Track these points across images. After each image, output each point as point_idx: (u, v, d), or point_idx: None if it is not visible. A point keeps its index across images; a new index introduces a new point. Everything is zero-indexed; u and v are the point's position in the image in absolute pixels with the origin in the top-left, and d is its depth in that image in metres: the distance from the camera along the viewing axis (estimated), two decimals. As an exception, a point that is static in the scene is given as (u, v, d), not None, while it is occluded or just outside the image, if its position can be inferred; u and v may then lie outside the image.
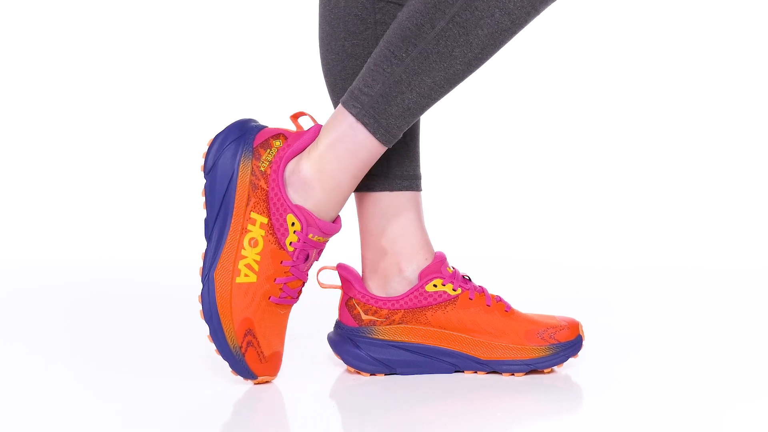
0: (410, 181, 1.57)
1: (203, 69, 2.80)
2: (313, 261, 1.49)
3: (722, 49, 2.77)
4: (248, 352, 1.46)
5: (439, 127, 2.58)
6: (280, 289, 1.47)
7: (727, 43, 2.77)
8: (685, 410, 1.39)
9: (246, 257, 1.46)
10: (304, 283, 1.49)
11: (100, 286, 2.25)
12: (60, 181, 2.72)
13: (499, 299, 1.55)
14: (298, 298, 1.50)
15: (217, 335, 1.45)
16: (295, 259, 1.46)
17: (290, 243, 1.46)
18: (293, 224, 1.46)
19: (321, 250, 1.50)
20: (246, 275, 1.46)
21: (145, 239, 2.61)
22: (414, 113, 1.45)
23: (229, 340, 1.45)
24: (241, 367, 1.47)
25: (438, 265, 1.54)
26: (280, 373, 1.52)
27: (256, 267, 1.46)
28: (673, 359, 1.64)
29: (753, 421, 1.36)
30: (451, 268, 1.55)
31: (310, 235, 1.46)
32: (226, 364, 1.52)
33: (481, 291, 1.55)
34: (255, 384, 1.49)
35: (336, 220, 1.49)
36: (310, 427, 1.37)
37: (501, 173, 2.74)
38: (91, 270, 2.42)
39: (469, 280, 1.56)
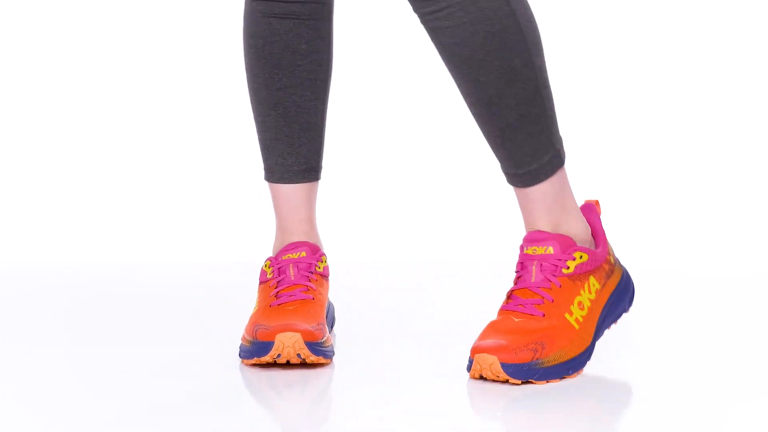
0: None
1: (204, 69, 2.80)
2: (304, 271, 1.64)
3: (722, 49, 2.77)
4: (258, 333, 1.56)
5: (444, 129, 2.59)
6: (275, 296, 1.62)
7: (727, 43, 2.77)
8: (685, 411, 1.39)
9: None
10: (304, 284, 1.62)
11: (100, 286, 2.25)
12: (60, 181, 2.72)
13: None
14: (308, 294, 1.61)
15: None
16: (277, 276, 1.64)
17: (269, 272, 1.66)
18: (266, 265, 1.68)
19: (301, 262, 1.65)
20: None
21: (145, 239, 2.61)
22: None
23: (248, 345, 1.58)
24: (257, 347, 1.55)
25: None
26: (281, 375, 1.52)
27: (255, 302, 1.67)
28: (673, 360, 1.64)
29: (753, 421, 1.36)
30: None
31: (283, 257, 1.66)
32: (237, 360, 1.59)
33: None
34: (273, 359, 1.53)
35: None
36: (311, 427, 1.37)
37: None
38: (92, 270, 2.42)
39: None
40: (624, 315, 1.62)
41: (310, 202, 1.72)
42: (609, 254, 1.61)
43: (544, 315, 1.51)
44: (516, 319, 1.51)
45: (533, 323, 1.50)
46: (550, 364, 1.48)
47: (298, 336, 1.53)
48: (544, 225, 1.56)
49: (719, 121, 2.76)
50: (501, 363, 1.46)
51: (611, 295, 1.59)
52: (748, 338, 1.79)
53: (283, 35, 1.67)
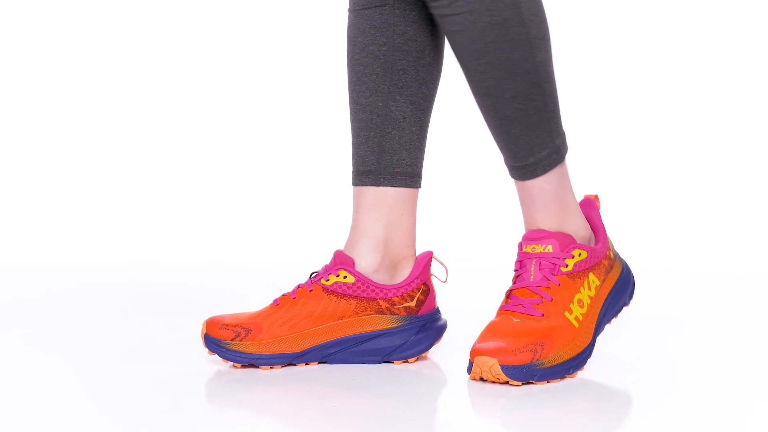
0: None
1: (204, 69, 2.80)
2: (314, 280, 1.60)
3: (722, 49, 2.77)
4: None
5: (444, 129, 2.57)
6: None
7: (727, 43, 2.77)
8: (685, 411, 1.40)
9: None
10: (290, 293, 1.60)
11: (101, 287, 2.25)
12: (60, 181, 2.72)
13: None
14: (276, 302, 1.59)
15: None
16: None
17: None
18: None
19: (320, 272, 1.61)
20: None
21: (146, 239, 2.61)
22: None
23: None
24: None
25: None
26: (276, 373, 1.53)
27: None
28: (673, 360, 1.64)
29: (753, 422, 1.36)
30: None
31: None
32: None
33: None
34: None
35: None
36: (307, 428, 1.37)
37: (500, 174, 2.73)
38: (92, 270, 2.42)
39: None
40: (625, 310, 1.63)
41: (360, 207, 1.62)
42: (609, 249, 1.60)
43: (543, 315, 1.50)
44: (515, 320, 1.51)
45: (532, 323, 1.49)
46: (550, 365, 1.47)
47: (203, 324, 1.57)
48: (542, 222, 1.56)
49: (720, 121, 2.76)
50: (501, 365, 1.45)
51: (611, 291, 1.59)
52: (748, 338, 1.79)
53: (348, 27, 1.62)
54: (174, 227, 2.62)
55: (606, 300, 1.58)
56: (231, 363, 1.57)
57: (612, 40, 2.79)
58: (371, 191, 1.61)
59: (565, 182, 1.57)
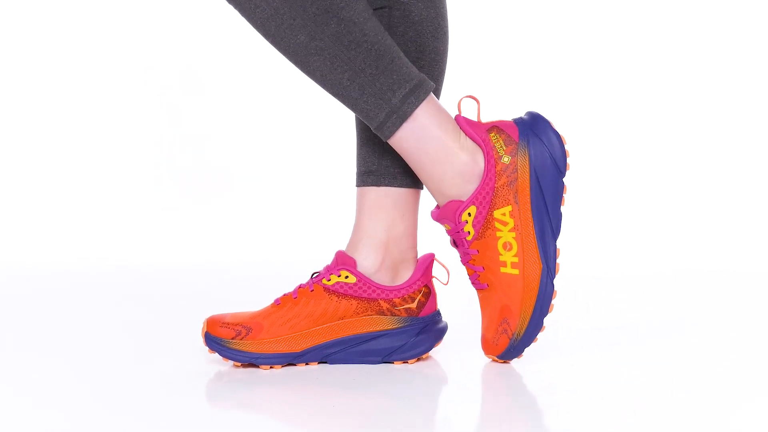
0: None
1: (205, 71, 2.80)
2: (314, 279, 1.60)
3: (722, 49, 2.77)
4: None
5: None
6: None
7: (727, 43, 2.77)
8: (681, 412, 1.40)
9: None
10: (292, 292, 1.59)
11: (101, 287, 2.25)
12: (60, 182, 2.72)
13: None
14: (277, 301, 1.60)
15: None
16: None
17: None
18: None
19: (321, 272, 1.60)
20: None
21: (147, 240, 2.61)
22: None
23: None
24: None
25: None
26: (273, 374, 1.53)
27: None
28: (674, 360, 1.64)
29: (754, 422, 1.36)
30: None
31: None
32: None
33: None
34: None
35: None
36: (311, 428, 1.37)
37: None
38: (92, 271, 2.42)
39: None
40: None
41: (362, 208, 1.61)
42: (497, 160, 1.50)
43: (488, 286, 1.54)
44: (480, 294, 1.56)
45: (487, 297, 1.54)
46: (522, 332, 1.52)
47: (204, 323, 1.58)
48: (425, 182, 1.52)
49: (720, 122, 2.76)
50: (497, 356, 1.55)
51: (530, 193, 1.50)
52: (747, 338, 1.79)
53: None
54: (175, 228, 2.62)
55: (532, 207, 1.50)
56: (231, 362, 1.58)
57: (610, 41, 2.79)
58: (373, 191, 1.61)
59: (426, 134, 1.49)
